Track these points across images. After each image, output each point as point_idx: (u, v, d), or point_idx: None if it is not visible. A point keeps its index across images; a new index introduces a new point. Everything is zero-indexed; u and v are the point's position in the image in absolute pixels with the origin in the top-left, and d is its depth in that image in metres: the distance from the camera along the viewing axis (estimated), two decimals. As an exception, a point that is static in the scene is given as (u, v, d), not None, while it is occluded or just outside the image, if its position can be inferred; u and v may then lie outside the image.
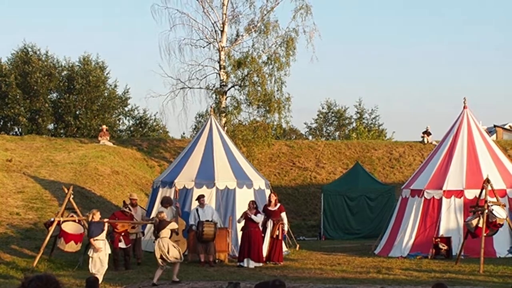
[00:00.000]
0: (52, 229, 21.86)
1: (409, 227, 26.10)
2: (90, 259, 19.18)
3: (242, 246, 23.55)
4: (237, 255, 23.83)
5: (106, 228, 19.89)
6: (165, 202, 24.06)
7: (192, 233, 23.69)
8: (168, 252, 19.24)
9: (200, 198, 24.05)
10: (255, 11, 40.64)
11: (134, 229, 23.33)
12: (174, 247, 19.48)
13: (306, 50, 42.08)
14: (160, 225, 19.60)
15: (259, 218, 23.52)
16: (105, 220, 20.38)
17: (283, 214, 24.61)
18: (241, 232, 23.86)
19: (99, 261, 19.09)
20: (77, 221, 22.22)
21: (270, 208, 24.32)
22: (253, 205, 23.60)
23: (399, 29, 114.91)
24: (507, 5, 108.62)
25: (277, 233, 24.11)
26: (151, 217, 25.18)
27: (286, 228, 24.97)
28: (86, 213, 24.46)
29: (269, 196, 24.81)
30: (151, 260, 23.97)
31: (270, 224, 24.15)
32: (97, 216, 19.65)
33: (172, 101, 40.95)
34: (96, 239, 19.13)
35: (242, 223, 23.66)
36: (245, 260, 23.21)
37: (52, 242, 22.51)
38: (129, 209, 23.21)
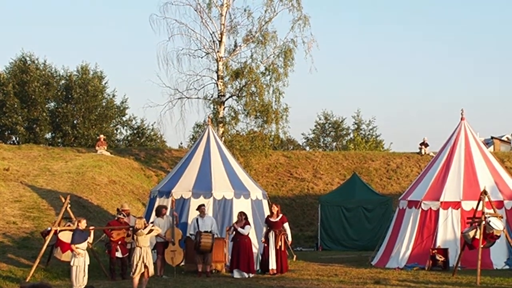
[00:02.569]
0: (49, 238, 21.82)
1: (406, 238, 26.08)
2: (73, 268, 19.24)
3: (232, 256, 23.58)
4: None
5: (90, 238, 19.98)
6: (159, 211, 24.01)
7: (190, 243, 23.66)
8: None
9: (201, 207, 24.01)
10: (253, 22, 40.74)
11: (129, 238, 23.26)
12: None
13: (304, 61, 42.03)
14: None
15: (246, 230, 23.50)
16: (91, 228, 20.46)
17: (286, 225, 24.61)
18: (232, 242, 23.89)
19: (80, 271, 19.15)
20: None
21: (271, 219, 24.32)
22: (241, 217, 23.60)
23: (396, 40, 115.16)
24: (503, 17, 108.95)
25: (280, 244, 24.09)
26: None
27: (289, 239, 24.95)
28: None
29: (271, 207, 24.80)
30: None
31: (272, 235, 24.15)
32: (82, 224, 19.83)
33: (170, 111, 40.97)
34: (77, 247, 19.15)
35: (232, 234, 23.74)
36: (235, 271, 23.20)
37: (48, 252, 22.47)
38: (123, 216, 23.12)
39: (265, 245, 24.18)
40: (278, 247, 24.05)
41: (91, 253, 23.00)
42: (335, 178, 42.68)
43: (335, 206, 35.17)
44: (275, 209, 24.47)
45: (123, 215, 23.11)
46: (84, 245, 19.46)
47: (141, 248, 19.49)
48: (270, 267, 23.95)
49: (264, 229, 24.31)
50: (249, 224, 23.77)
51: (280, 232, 24.20)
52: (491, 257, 24.82)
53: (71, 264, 19.35)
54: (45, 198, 30.17)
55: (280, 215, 24.55)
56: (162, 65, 40.83)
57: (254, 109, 39.77)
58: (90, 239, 20.14)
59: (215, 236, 23.70)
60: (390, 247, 26.65)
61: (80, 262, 19.20)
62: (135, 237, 19.77)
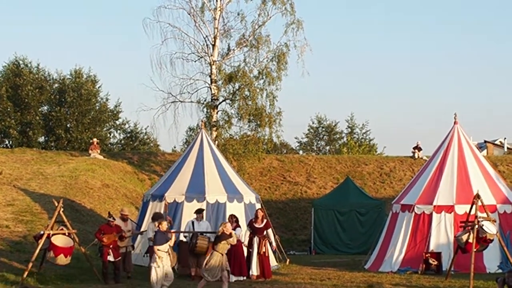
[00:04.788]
0: (41, 242, 21.75)
1: (399, 242, 26.07)
2: (153, 270, 19.12)
3: None
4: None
5: (172, 240, 19.92)
6: (156, 218, 23.93)
7: (183, 246, 23.61)
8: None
9: (201, 212, 23.94)
10: (247, 26, 40.75)
11: (124, 242, 23.20)
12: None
13: (297, 65, 42.02)
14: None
15: (237, 233, 23.44)
16: (172, 231, 20.35)
17: (269, 231, 24.47)
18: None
19: (160, 272, 19.03)
20: (67, 234, 22.13)
21: (256, 225, 24.14)
22: (232, 219, 23.54)
23: (389, 44, 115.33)
24: (497, 20, 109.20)
25: (264, 250, 24.00)
26: (141, 230, 25.15)
27: (274, 244, 24.81)
28: (76, 226, 24.48)
29: (256, 212, 24.64)
30: (142, 274, 23.91)
31: (256, 241, 24.04)
32: (163, 226, 19.78)
33: (163, 114, 40.93)
34: (159, 249, 19.05)
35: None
36: None
37: (41, 255, 22.39)
38: (113, 219, 23.02)
39: (249, 250, 24.08)
40: (262, 253, 23.95)
41: (84, 257, 23.00)
42: (329, 182, 42.67)
43: (328, 210, 35.17)
44: (260, 214, 24.34)
45: (113, 219, 23.02)
46: (165, 247, 19.35)
47: (222, 254, 19.25)
48: (251, 273, 23.87)
49: (248, 233, 24.21)
50: (239, 226, 23.73)
51: (264, 238, 24.10)
52: (484, 261, 24.82)
53: (152, 265, 19.24)
54: (38, 202, 30.10)
55: (265, 221, 24.42)
56: (156, 68, 40.82)
57: (247, 113, 39.75)
58: (171, 241, 20.04)
59: (210, 240, 23.63)
60: (383, 251, 26.64)
61: (160, 264, 19.08)
62: (219, 244, 19.42)
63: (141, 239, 25.89)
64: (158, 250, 19.18)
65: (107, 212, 25.52)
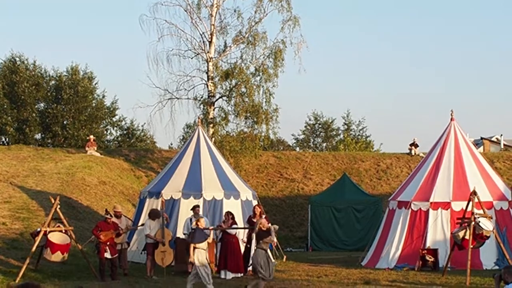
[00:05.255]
0: (38, 239, 21.74)
1: (396, 239, 26.09)
2: (200, 268, 19.04)
3: (220, 257, 23.50)
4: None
5: (210, 237, 19.81)
6: (153, 215, 23.93)
7: (180, 243, 23.60)
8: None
9: (196, 208, 23.92)
10: (243, 22, 40.69)
11: (119, 239, 23.18)
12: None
13: (293, 62, 42.04)
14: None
15: (233, 230, 23.47)
16: (211, 227, 20.22)
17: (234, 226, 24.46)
18: (219, 243, 23.82)
19: (207, 268, 18.94)
20: (63, 231, 22.11)
21: (254, 220, 24.17)
22: (228, 216, 23.55)
23: (386, 41, 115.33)
24: (494, 19, 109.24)
25: None
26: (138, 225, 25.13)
27: (275, 240, 24.74)
28: (72, 223, 24.46)
29: (254, 208, 24.65)
30: (138, 270, 23.94)
31: (254, 236, 24.02)
32: (202, 223, 19.77)
33: (159, 111, 40.89)
34: (198, 247, 18.96)
35: (220, 234, 23.67)
36: (222, 271, 23.14)
37: (38, 252, 22.38)
38: (110, 216, 23.03)
39: (247, 245, 24.08)
40: None
41: (81, 254, 22.99)
42: (325, 178, 42.68)
43: (325, 206, 35.17)
44: (258, 210, 24.34)
45: (111, 215, 23.03)
46: (204, 244, 19.26)
47: (265, 251, 19.09)
48: (249, 268, 23.88)
49: (247, 230, 24.22)
50: (236, 223, 23.74)
51: None
52: (481, 257, 24.87)
53: (196, 263, 19.13)
54: (35, 199, 30.08)
55: (263, 217, 24.42)
56: (152, 65, 40.76)
57: (244, 110, 39.73)
58: (210, 238, 19.95)
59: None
60: (380, 247, 26.67)
61: (203, 260, 18.97)
62: (261, 241, 19.22)
63: (137, 236, 25.90)
64: (196, 247, 18.99)
65: (104, 209, 25.51)
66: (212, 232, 21.38)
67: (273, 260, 19.26)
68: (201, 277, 19.03)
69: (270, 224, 19.83)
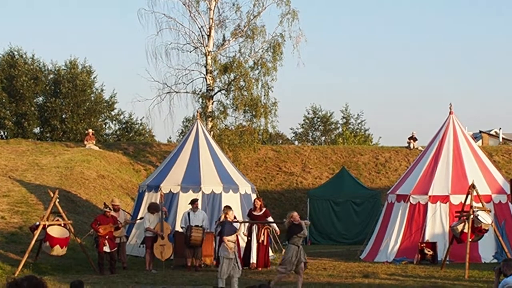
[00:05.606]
0: (37, 233, 21.73)
1: (395, 232, 26.11)
2: (224, 260, 18.93)
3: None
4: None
5: (240, 230, 19.69)
6: (152, 208, 23.94)
7: (179, 237, 23.60)
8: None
9: (195, 202, 23.91)
10: (242, 16, 40.66)
11: (117, 233, 23.19)
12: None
13: (292, 56, 41.99)
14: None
15: (236, 225, 23.43)
16: (241, 220, 20.09)
17: (270, 219, 24.52)
18: (218, 236, 23.78)
19: (231, 263, 18.84)
20: (62, 225, 22.11)
21: (255, 213, 24.21)
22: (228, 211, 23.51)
23: (385, 35, 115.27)
24: (492, 11, 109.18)
25: (262, 238, 24.00)
26: (136, 219, 25.12)
27: (277, 229, 24.64)
28: (71, 217, 24.46)
29: (254, 201, 24.69)
30: (137, 264, 23.96)
31: (255, 229, 24.06)
32: (230, 215, 19.59)
33: (158, 105, 40.88)
34: (229, 240, 18.87)
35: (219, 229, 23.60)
36: None
37: (37, 246, 22.38)
38: (109, 209, 23.03)
39: (248, 238, 24.10)
40: (260, 241, 23.95)
41: (80, 248, 22.99)
42: (324, 172, 42.68)
43: (323, 200, 35.16)
44: (258, 203, 24.35)
45: (109, 209, 23.02)
46: (234, 237, 19.15)
47: (298, 247, 18.91)
48: (251, 261, 23.88)
49: (237, 224, 24.17)
50: (235, 217, 23.73)
51: (263, 226, 24.08)
52: (480, 251, 24.89)
53: (222, 255, 19.03)
54: (34, 193, 30.07)
55: (264, 209, 24.45)
56: (151, 59, 40.75)
57: (242, 104, 39.72)
58: (239, 231, 19.86)
59: (206, 230, 23.64)
60: (379, 241, 26.68)
61: (231, 254, 18.86)
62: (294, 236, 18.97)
63: (136, 230, 25.91)
64: (228, 240, 18.93)
65: (103, 203, 25.50)
66: (242, 225, 21.25)
67: (304, 259, 19.04)
68: (219, 270, 18.82)
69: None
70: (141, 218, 24.32)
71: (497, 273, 12.54)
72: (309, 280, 21.19)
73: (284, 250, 27.94)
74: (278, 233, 24.94)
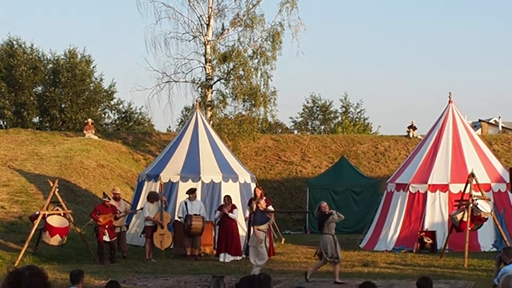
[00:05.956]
0: (37, 222, 21.76)
1: (394, 221, 26.14)
2: (252, 249, 18.88)
3: (220, 240, 23.50)
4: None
5: (271, 220, 19.59)
6: (152, 197, 23.95)
7: (179, 226, 23.62)
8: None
9: (194, 192, 23.90)
10: (241, 5, 40.54)
11: (118, 222, 23.21)
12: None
13: (291, 45, 41.96)
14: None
15: (235, 215, 23.48)
16: (270, 210, 20.23)
17: (270, 208, 24.44)
18: (218, 226, 23.81)
19: (260, 251, 18.81)
20: (62, 214, 22.14)
21: (254, 202, 24.14)
22: (228, 201, 23.54)
23: (384, 23, 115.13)
24: (492, 2, 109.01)
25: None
26: (136, 209, 25.13)
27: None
28: (71, 206, 24.47)
29: (254, 190, 24.66)
30: (136, 253, 23.99)
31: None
32: (262, 204, 19.39)
33: (157, 94, 40.83)
34: (259, 229, 18.79)
35: (219, 218, 23.63)
36: (222, 254, 23.16)
37: (37, 236, 22.40)
38: (108, 199, 23.05)
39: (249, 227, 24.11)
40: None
41: (79, 237, 23.01)
42: (323, 161, 42.66)
43: (323, 189, 35.14)
44: (258, 191, 24.32)
45: (108, 198, 23.03)
46: (265, 226, 19.14)
47: (332, 236, 18.82)
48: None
49: (248, 212, 24.20)
50: (235, 207, 23.77)
51: None
52: (479, 239, 24.92)
53: (250, 245, 19.00)
54: (33, 182, 30.07)
55: (264, 198, 24.44)
56: (150, 48, 40.77)
57: (242, 93, 39.66)
58: (271, 221, 19.81)
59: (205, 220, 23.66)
60: (378, 230, 26.71)
61: (260, 243, 18.80)
62: (325, 225, 18.80)
63: (136, 219, 25.92)
64: (258, 229, 18.84)
65: (102, 192, 25.49)
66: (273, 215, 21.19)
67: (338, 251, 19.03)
68: (251, 260, 18.77)
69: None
70: (141, 209, 24.33)
71: (497, 261, 12.57)
72: (309, 268, 21.19)
73: (283, 239, 28.02)
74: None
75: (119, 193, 24.45)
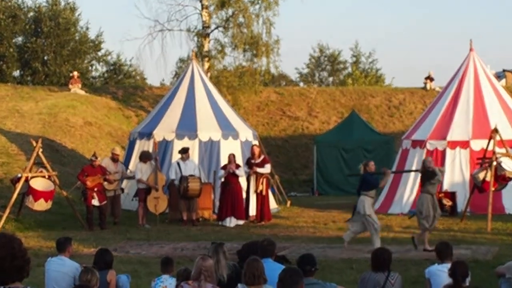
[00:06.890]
0: (19, 186, 21.76)
1: (410, 182, 26.14)
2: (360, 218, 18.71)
3: (223, 203, 23.48)
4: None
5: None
6: (144, 157, 23.95)
7: (174, 189, 23.63)
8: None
9: (186, 151, 23.86)
10: None
11: (112, 186, 23.23)
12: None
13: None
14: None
15: (242, 172, 23.52)
16: (389, 171, 19.94)
17: (268, 166, 24.41)
18: (221, 188, 23.80)
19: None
20: (46, 177, 22.12)
21: (253, 161, 24.18)
22: (233, 159, 23.55)
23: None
24: None
25: (261, 188, 23.97)
26: (128, 170, 25.14)
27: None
28: (56, 168, 24.46)
29: (252, 148, 24.64)
30: (130, 219, 24.03)
31: (253, 179, 24.03)
32: (371, 167, 18.72)
33: (149, 44, 40.83)
34: (366, 194, 18.39)
35: (223, 179, 23.61)
36: (228, 219, 23.17)
37: (19, 200, 22.42)
38: (95, 157, 23.01)
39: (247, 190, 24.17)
40: (258, 191, 23.93)
41: (66, 202, 23.04)
42: (332, 116, 42.66)
43: (332, 147, 35.18)
44: (256, 149, 24.35)
45: (95, 158, 23.00)
46: (373, 192, 18.73)
47: (432, 195, 18.69)
48: (250, 213, 23.98)
49: (244, 171, 24.19)
50: (240, 165, 23.80)
51: (262, 175, 24.03)
52: (503, 201, 24.94)
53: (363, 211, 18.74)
54: (15, 142, 30.07)
55: (262, 156, 24.46)
56: (141, -7, 40.51)
57: (242, 42, 39.55)
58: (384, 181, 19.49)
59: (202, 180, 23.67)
60: (393, 191, 26.72)
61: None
62: (427, 183, 18.65)
63: (127, 181, 25.88)
64: (366, 195, 18.42)
65: (93, 152, 25.48)
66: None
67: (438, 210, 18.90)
68: (367, 225, 18.54)
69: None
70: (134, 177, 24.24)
71: None
72: (317, 234, 21.28)
73: (289, 202, 28.06)
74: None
75: (119, 154, 24.46)
